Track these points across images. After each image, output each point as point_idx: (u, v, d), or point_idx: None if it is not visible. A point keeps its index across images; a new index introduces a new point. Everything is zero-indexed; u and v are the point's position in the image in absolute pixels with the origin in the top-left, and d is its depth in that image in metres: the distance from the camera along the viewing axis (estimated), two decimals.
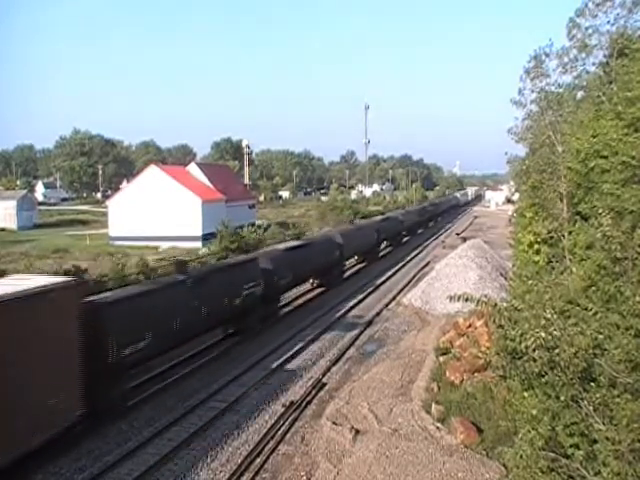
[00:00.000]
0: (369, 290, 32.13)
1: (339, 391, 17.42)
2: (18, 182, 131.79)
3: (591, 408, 7.08)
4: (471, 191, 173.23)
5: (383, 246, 49.18)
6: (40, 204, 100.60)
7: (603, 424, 6.93)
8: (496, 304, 8.05)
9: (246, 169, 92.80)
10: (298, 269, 26.84)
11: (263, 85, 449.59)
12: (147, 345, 15.78)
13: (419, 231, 66.56)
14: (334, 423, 14.93)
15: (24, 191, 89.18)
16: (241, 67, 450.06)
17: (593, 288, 8.74)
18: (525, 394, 8.48)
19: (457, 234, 62.24)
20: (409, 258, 46.10)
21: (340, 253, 33.36)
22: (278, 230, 55.86)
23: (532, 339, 7.02)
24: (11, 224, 74.59)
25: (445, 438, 13.62)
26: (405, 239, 58.02)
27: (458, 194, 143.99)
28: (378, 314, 27.01)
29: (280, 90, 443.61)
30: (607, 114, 12.36)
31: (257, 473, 12.71)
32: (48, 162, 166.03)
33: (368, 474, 12.18)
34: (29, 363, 11.69)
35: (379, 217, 55.23)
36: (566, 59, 15.62)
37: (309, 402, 16.57)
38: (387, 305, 28.90)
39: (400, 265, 42.20)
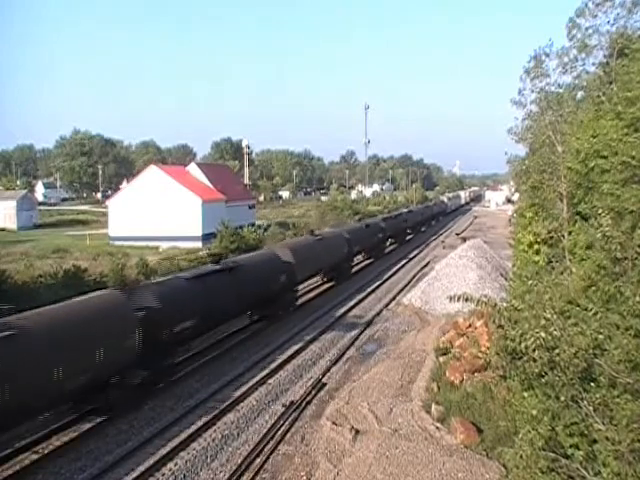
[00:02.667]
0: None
1: (339, 391, 17.42)
2: (18, 182, 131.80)
3: (591, 408, 7.07)
4: (465, 193, 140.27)
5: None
6: (40, 204, 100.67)
7: (603, 424, 6.93)
8: (496, 304, 8.07)
9: (246, 169, 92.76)
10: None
11: (263, 85, 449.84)
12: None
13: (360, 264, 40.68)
14: (334, 423, 14.93)
15: (24, 191, 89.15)
16: (241, 67, 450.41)
17: (593, 288, 8.73)
18: (525, 394, 8.47)
19: (457, 234, 62.21)
20: None
21: None
22: (278, 230, 55.87)
23: (532, 339, 7.03)
24: (11, 224, 74.62)
25: (445, 438, 13.61)
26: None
27: (445, 197, 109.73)
28: (378, 314, 27.02)
29: (280, 90, 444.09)
30: (607, 114, 12.36)
31: (257, 473, 12.72)
32: (48, 162, 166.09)
33: (368, 474, 12.17)
34: None
35: (236, 258, 25.03)
36: (566, 59, 15.65)
37: (309, 402, 16.58)
38: (387, 305, 28.91)
39: None
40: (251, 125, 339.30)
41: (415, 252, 49.35)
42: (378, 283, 34.54)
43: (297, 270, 26.20)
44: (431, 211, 78.15)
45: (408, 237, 58.25)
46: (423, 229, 67.78)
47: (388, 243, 50.28)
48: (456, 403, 15.06)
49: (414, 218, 61.97)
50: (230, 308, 20.63)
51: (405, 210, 65.70)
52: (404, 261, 43.87)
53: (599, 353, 7.08)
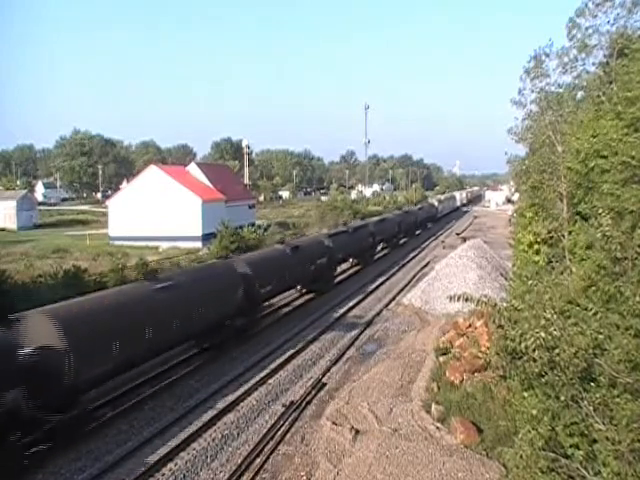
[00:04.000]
0: None
1: (339, 391, 17.42)
2: (18, 182, 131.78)
3: (591, 408, 7.08)
4: (462, 194, 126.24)
5: None
6: (40, 204, 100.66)
7: (603, 424, 6.93)
8: (496, 304, 8.07)
9: (246, 169, 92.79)
10: None
11: (263, 85, 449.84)
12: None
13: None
14: (334, 423, 14.93)
15: (24, 191, 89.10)
16: (241, 67, 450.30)
17: (593, 288, 8.73)
18: (525, 394, 8.48)
19: (457, 234, 62.17)
20: None
21: None
22: (278, 230, 55.89)
23: (532, 339, 7.03)
24: (11, 224, 74.62)
25: (445, 438, 13.61)
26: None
27: (435, 200, 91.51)
28: (378, 314, 27.02)
29: (280, 90, 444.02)
30: (607, 114, 12.37)
31: (257, 473, 12.72)
32: (48, 162, 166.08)
33: (368, 474, 12.17)
34: None
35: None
36: (566, 59, 15.66)
37: (309, 402, 16.58)
38: (387, 305, 28.91)
39: None
40: (251, 125, 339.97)
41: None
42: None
43: (82, 369, 13.17)
44: (414, 218, 59.27)
45: (378, 255, 43.60)
46: (402, 241, 53.02)
47: (348, 265, 38.04)
48: (456, 403, 15.06)
49: (389, 229, 45.86)
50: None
51: (375, 219, 47.19)
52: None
53: (599, 353, 7.09)
